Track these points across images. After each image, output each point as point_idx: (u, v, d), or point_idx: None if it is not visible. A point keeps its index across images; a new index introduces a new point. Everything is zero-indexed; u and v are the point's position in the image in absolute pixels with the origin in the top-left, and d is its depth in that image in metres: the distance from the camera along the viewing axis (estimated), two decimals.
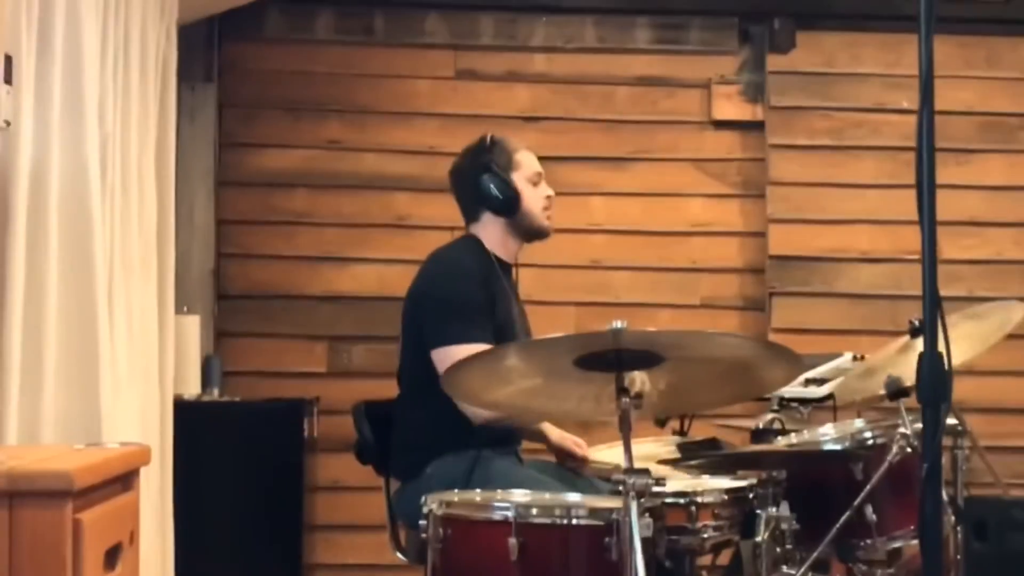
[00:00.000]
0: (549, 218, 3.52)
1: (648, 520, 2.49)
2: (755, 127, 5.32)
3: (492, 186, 3.43)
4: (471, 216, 3.53)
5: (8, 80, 2.73)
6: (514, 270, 3.57)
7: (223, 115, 5.14)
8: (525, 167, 3.49)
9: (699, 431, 3.92)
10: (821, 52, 5.31)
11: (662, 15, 5.33)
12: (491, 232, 3.49)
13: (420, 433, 3.36)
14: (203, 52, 5.09)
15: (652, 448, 3.54)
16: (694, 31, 5.35)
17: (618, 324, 2.41)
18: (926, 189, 2.27)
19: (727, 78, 5.34)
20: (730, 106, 5.33)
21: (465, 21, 5.28)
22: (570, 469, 3.48)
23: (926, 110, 2.27)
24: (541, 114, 5.26)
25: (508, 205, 3.45)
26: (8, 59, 2.73)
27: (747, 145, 5.33)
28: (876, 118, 5.28)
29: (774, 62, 5.29)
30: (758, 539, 2.91)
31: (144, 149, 3.82)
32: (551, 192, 3.53)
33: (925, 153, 2.27)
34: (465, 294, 3.32)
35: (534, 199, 3.48)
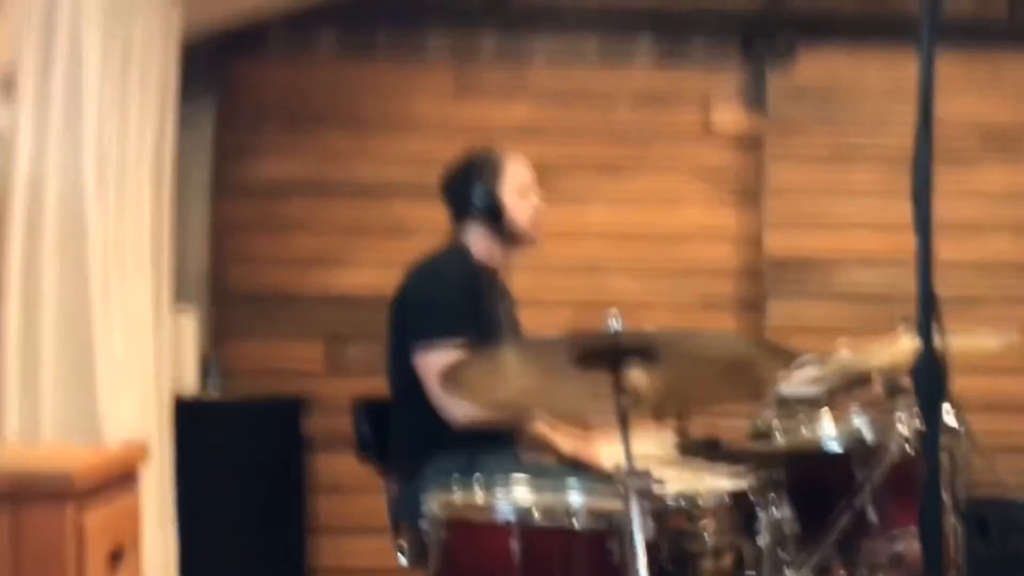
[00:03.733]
0: (536, 227, 3.53)
1: (651, 523, 2.49)
2: (755, 141, 5.31)
3: (476, 195, 3.46)
4: (458, 224, 3.56)
5: (9, 93, 2.73)
6: (501, 276, 3.58)
7: (223, 129, 5.13)
8: (511, 177, 3.51)
9: (699, 431, 3.92)
10: (822, 66, 5.30)
11: (663, 29, 5.32)
12: (477, 240, 3.52)
13: (417, 435, 3.36)
14: (205, 68, 5.07)
15: (652, 448, 3.54)
16: (695, 45, 5.34)
17: (615, 322, 2.41)
18: (922, 207, 2.26)
19: (728, 92, 5.33)
20: (731, 120, 5.33)
21: (467, 37, 5.28)
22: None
23: (925, 126, 2.26)
24: (542, 129, 5.25)
25: (492, 214, 3.48)
26: (9, 73, 2.73)
27: (747, 159, 5.32)
28: (876, 132, 5.27)
29: (775, 76, 5.28)
30: (759, 542, 2.90)
31: (142, 162, 3.82)
32: (538, 202, 3.54)
33: (923, 169, 2.26)
34: (446, 300, 3.35)
35: (519, 209, 3.50)
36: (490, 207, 3.47)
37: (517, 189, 3.51)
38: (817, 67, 5.29)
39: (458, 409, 3.19)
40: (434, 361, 3.18)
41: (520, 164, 3.56)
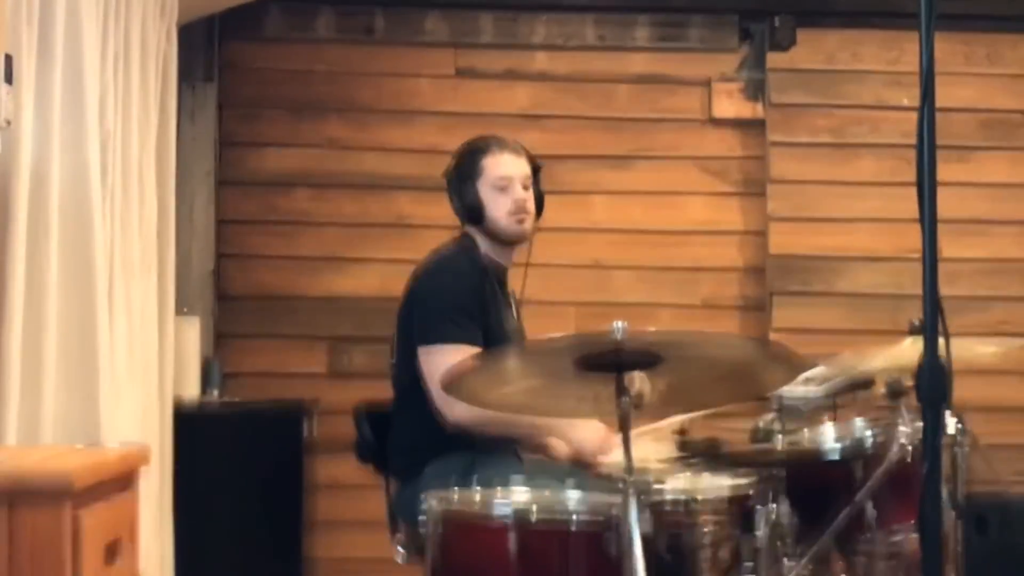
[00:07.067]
0: (521, 221, 3.40)
1: (647, 517, 2.49)
2: (756, 125, 5.32)
3: (457, 198, 3.43)
4: (460, 221, 3.52)
5: (9, 80, 2.72)
6: (509, 273, 3.56)
7: (223, 115, 5.14)
8: (489, 172, 3.39)
9: (699, 431, 3.91)
10: (822, 50, 5.31)
11: (662, 13, 5.33)
12: (478, 238, 3.47)
13: (418, 434, 3.35)
14: (203, 51, 5.09)
15: (652, 448, 3.53)
16: (694, 29, 5.35)
17: (619, 325, 2.41)
18: (927, 188, 2.26)
19: (727, 76, 5.34)
20: (730, 104, 5.33)
21: (465, 20, 5.28)
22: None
23: (927, 107, 2.27)
24: (541, 113, 5.26)
25: (473, 216, 3.41)
26: (8, 59, 2.72)
27: (748, 143, 5.32)
28: (877, 116, 5.28)
29: (774, 60, 5.29)
30: (758, 534, 2.90)
31: (144, 149, 3.82)
32: (521, 195, 3.40)
33: (926, 151, 2.27)
34: (455, 294, 3.31)
35: (498, 206, 3.38)
36: (468, 209, 3.40)
37: (494, 183, 3.38)
38: (816, 50, 5.28)
39: (457, 411, 3.15)
40: (437, 361, 3.14)
41: (500, 155, 3.41)
